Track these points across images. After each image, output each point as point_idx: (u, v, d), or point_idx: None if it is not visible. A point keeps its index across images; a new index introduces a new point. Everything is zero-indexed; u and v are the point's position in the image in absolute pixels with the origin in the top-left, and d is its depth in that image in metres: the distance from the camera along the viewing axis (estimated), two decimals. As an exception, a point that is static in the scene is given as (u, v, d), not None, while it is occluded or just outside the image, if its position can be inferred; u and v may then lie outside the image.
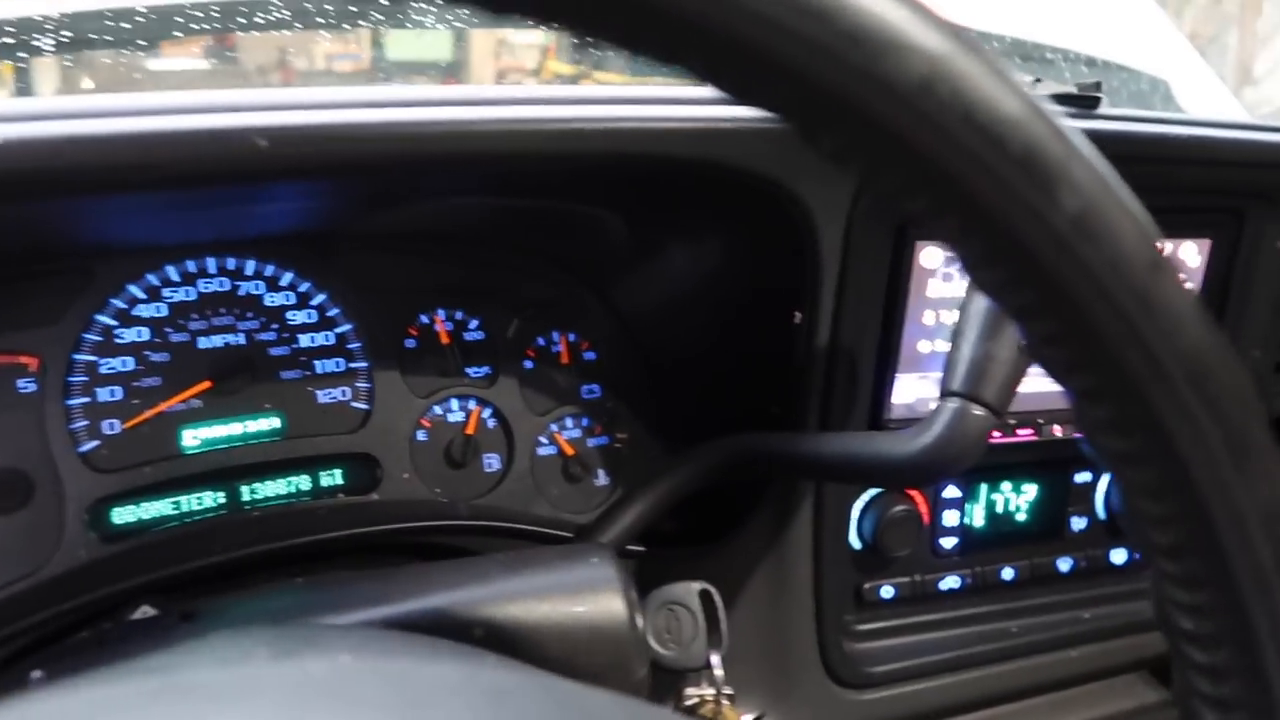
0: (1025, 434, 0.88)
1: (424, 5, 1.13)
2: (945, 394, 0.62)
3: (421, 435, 0.87)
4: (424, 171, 0.61)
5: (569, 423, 0.92)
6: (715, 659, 0.60)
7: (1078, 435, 0.38)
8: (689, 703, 0.67)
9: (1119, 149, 0.78)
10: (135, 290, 0.78)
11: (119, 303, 0.78)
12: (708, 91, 0.73)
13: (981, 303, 0.62)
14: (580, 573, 0.54)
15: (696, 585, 0.61)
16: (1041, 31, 1.60)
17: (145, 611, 0.55)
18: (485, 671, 0.30)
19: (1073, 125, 0.32)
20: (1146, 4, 1.88)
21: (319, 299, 0.84)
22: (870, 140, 0.31)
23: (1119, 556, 1.00)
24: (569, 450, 0.91)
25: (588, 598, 0.52)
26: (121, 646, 0.48)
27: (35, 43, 1.13)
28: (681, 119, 0.68)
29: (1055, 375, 0.37)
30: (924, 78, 0.29)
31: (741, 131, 0.69)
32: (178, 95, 0.59)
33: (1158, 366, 0.34)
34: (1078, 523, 0.97)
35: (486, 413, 0.89)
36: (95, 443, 0.76)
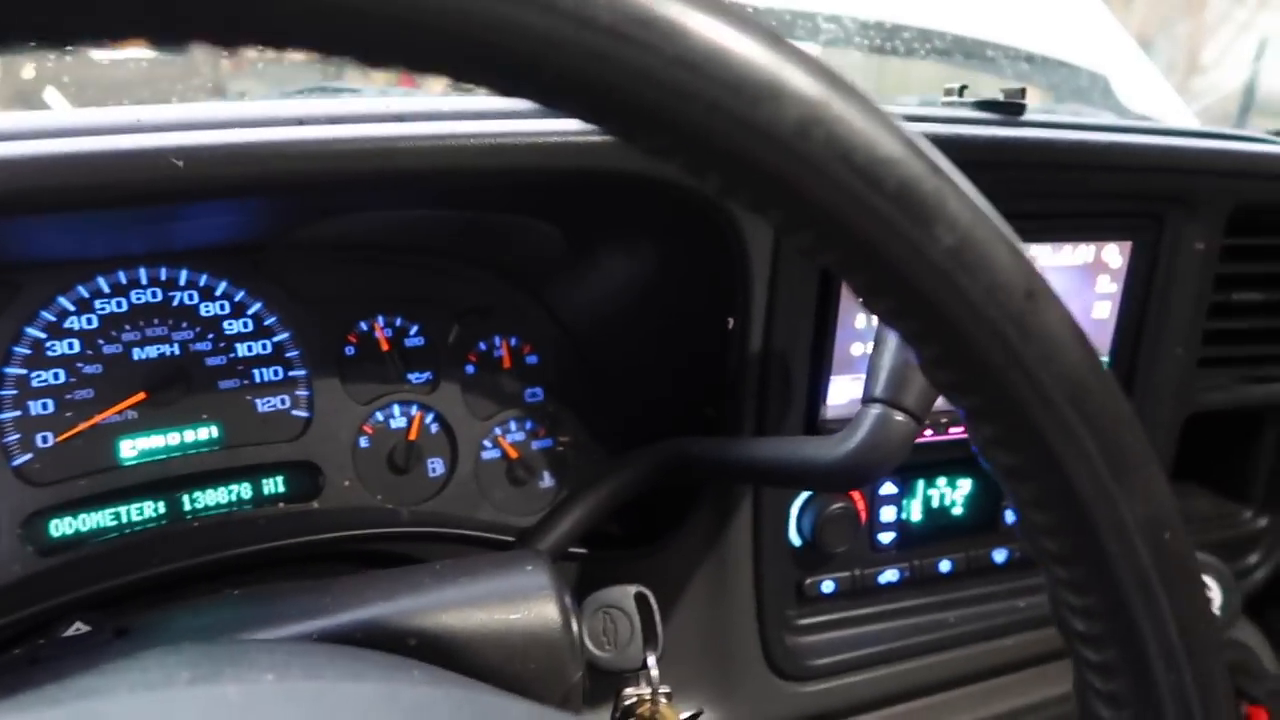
0: (957, 432, 0.90)
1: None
2: (867, 400, 0.64)
3: (364, 442, 0.87)
4: (345, 188, 0.61)
5: (513, 426, 0.93)
6: (651, 659, 0.61)
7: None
8: (627, 703, 0.68)
9: (1042, 156, 0.81)
10: (65, 302, 0.77)
11: (48, 315, 0.77)
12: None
13: (903, 310, 0.64)
14: (514, 580, 0.55)
15: (632, 589, 0.63)
16: (982, 28, 1.62)
17: (79, 628, 0.55)
18: (408, 687, 0.31)
19: (947, 162, 0.33)
20: (1092, 3, 1.90)
21: (255, 308, 0.84)
22: (753, 182, 0.32)
23: (1052, 546, 1.02)
24: (513, 453, 0.92)
25: (521, 605, 0.53)
26: (53, 665, 0.48)
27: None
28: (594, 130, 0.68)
29: (946, 395, 0.38)
30: (799, 122, 0.30)
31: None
32: (93, 113, 0.59)
33: (1038, 388, 0.36)
34: (1012, 515, 0.99)
35: (429, 418, 0.90)
36: (28, 456, 0.75)
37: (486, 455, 0.92)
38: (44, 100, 1.35)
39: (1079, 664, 0.45)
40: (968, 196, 0.34)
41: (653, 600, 0.63)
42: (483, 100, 0.73)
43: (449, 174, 0.61)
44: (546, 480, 0.94)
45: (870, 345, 0.84)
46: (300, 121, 0.58)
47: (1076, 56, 1.78)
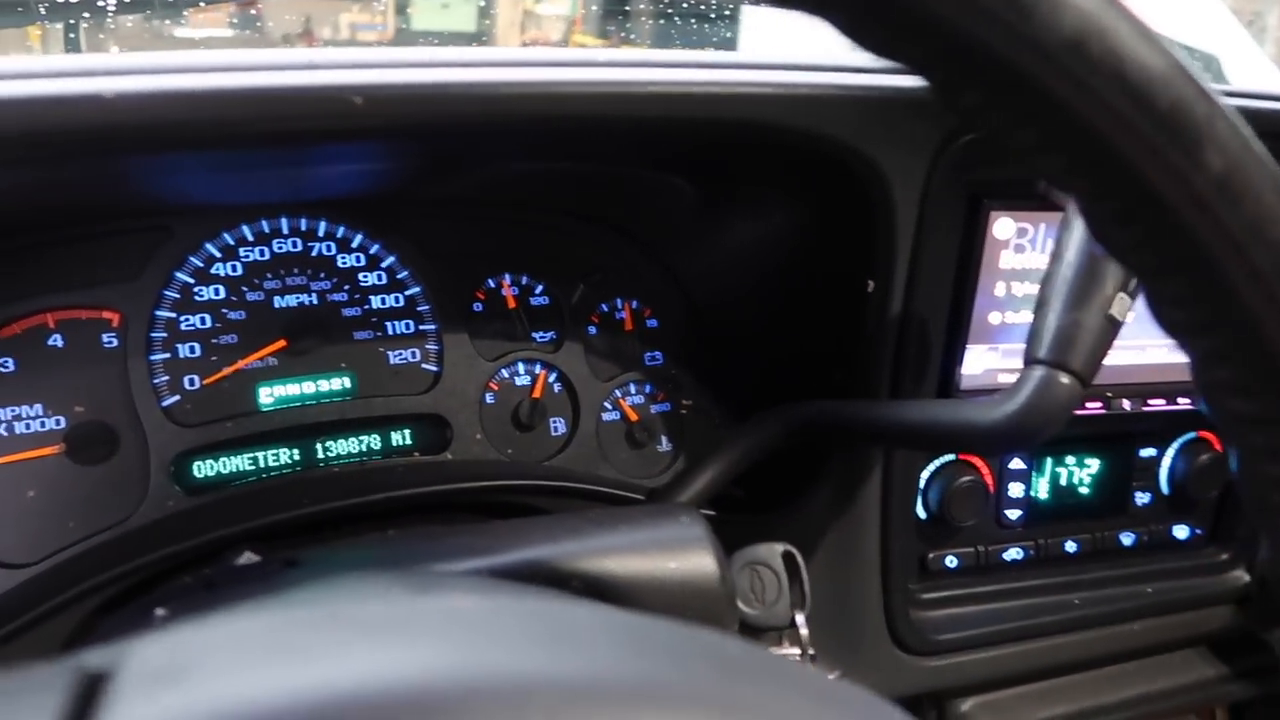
0: (1094, 407, 0.87)
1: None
2: (1030, 361, 0.62)
3: (490, 398, 0.87)
4: (511, 132, 0.61)
5: (632, 389, 0.93)
6: (800, 619, 0.61)
7: (1154, 407, 0.38)
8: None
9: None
10: (212, 249, 0.79)
11: (197, 260, 0.79)
12: (782, 58, 0.73)
13: (1067, 270, 0.62)
14: (671, 530, 0.54)
15: (780, 546, 0.62)
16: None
17: (249, 558, 0.56)
18: (620, 612, 0.30)
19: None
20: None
21: (389, 261, 0.85)
22: (1013, 97, 0.31)
23: (1182, 532, 0.99)
24: (633, 416, 0.92)
25: (679, 554, 0.53)
26: (237, 589, 0.50)
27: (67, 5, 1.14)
28: (760, 84, 0.67)
29: (1177, 336, 0.36)
30: (1076, 33, 0.29)
31: (820, 98, 0.69)
32: (268, 53, 0.60)
33: (1292, 331, 0.34)
34: (1141, 497, 0.96)
35: (552, 377, 0.90)
36: (176, 397, 0.77)
37: (607, 416, 0.92)
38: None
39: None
40: (1235, 122, 0.32)
41: (800, 559, 0.62)
42: (628, 52, 0.72)
43: (609, 120, 0.60)
44: (664, 444, 0.94)
45: (1008, 314, 0.82)
46: (467, 65, 0.58)
47: (1189, 37, 1.72)
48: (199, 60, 0.54)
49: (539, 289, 0.90)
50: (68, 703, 0.25)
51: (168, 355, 0.77)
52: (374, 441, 0.84)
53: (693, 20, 1.95)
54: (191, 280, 0.78)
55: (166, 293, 0.78)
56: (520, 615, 0.30)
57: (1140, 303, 0.47)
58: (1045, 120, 0.31)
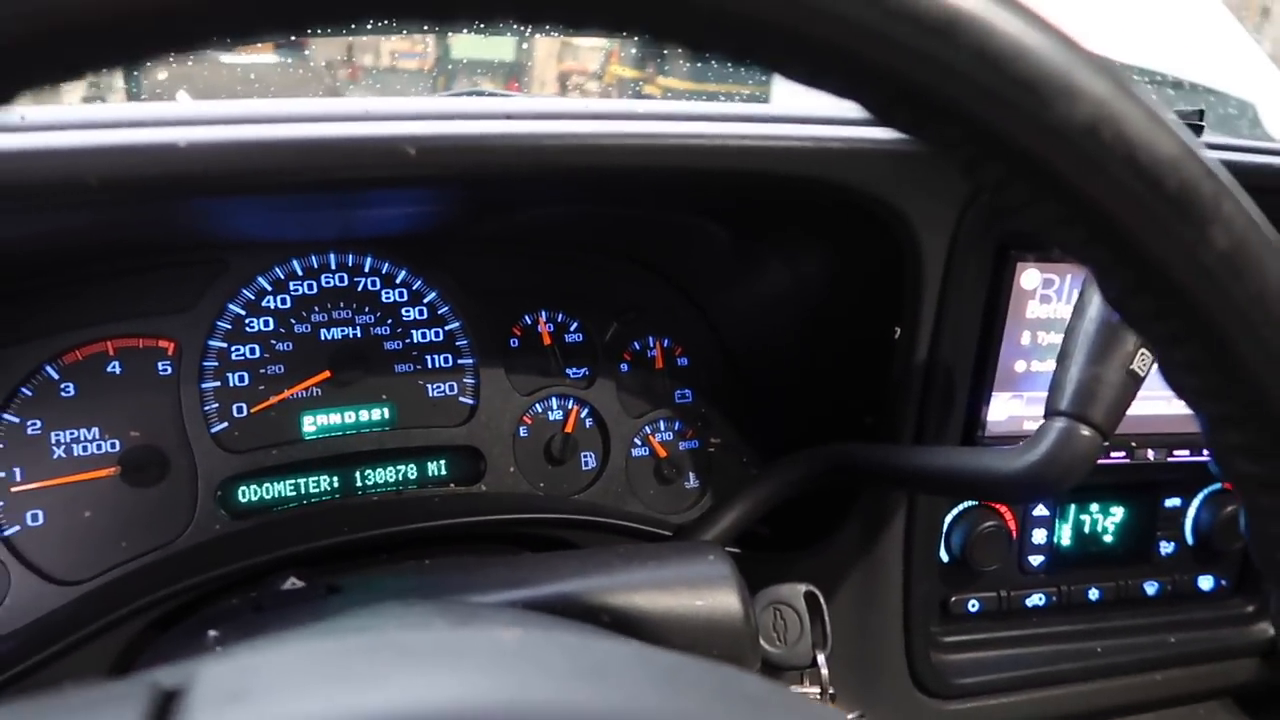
0: (1118, 456, 0.88)
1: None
2: (1052, 413, 0.63)
3: (523, 431, 0.90)
4: (554, 180, 0.64)
5: (662, 425, 0.95)
6: (821, 658, 0.62)
7: (1179, 458, 0.40)
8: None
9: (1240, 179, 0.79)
10: (264, 282, 0.83)
11: (249, 293, 0.82)
12: (815, 110, 0.75)
13: (1090, 325, 0.63)
14: (698, 568, 0.56)
15: (802, 586, 0.63)
16: (1128, 54, 1.58)
17: (293, 583, 0.58)
18: (655, 650, 0.32)
19: (1217, 163, 0.34)
20: (1229, 25, 1.85)
21: (430, 296, 0.88)
22: (1032, 175, 0.33)
23: (1206, 583, 0.99)
24: (661, 452, 0.94)
25: (706, 592, 0.54)
26: (285, 613, 0.52)
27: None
28: (793, 138, 0.70)
29: (1189, 400, 0.38)
30: (1090, 120, 0.31)
31: (852, 151, 0.71)
32: (325, 103, 0.63)
33: (1298, 397, 0.35)
34: (1166, 547, 0.97)
35: (584, 412, 0.92)
36: (225, 424, 0.81)
37: (636, 452, 0.94)
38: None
39: None
40: (1240, 201, 0.34)
41: (822, 600, 0.64)
42: (668, 104, 0.75)
43: (649, 171, 0.63)
44: (692, 481, 0.96)
45: (1033, 363, 0.83)
46: (512, 116, 0.61)
47: (1222, 83, 1.73)
48: (261, 110, 0.58)
49: (573, 326, 0.93)
50: (145, 717, 0.28)
51: (218, 384, 0.81)
52: (410, 471, 0.87)
53: (726, 58, 1.98)
54: (243, 312, 0.82)
55: (219, 323, 0.81)
56: (562, 649, 0.32)
57: (1161, 358, 0.49)
58: (1062, 197, 0.33)
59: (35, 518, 0.75)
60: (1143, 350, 0.61)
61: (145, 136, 0.51)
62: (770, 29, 0.29)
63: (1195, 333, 0.35)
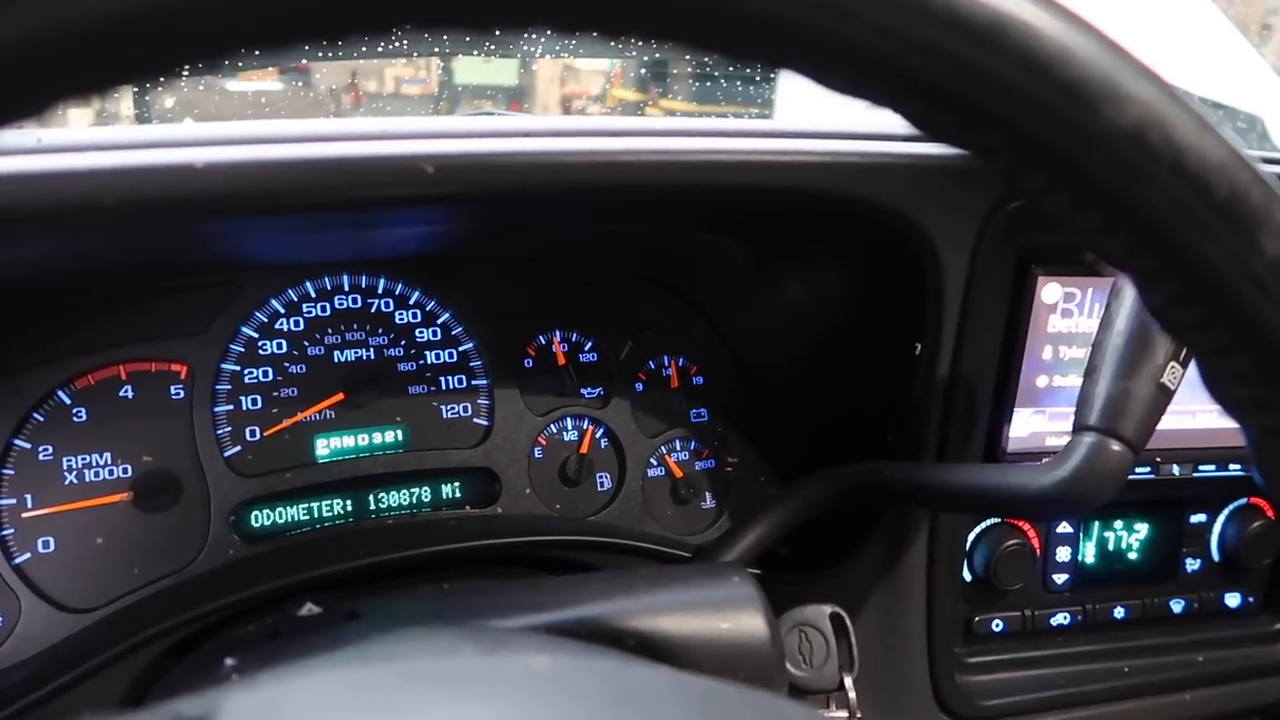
0: (1142, 472, 0.87)
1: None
2: (1081, 428, 0.62)
3: (538, 452, 0.89)
4: (572, 200, 0.63)
5: (678, 445, 0.94)
6: (848, 681, 0.61)
7: (1204, 473, 0.38)
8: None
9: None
10: (277, 304, 0.82)
11: (262, 315, 0.82)
12: (832, 126, 0.74)
13: (1118, 338, 0.62)
14: (724, 590, 0.55)
15: (827, 608, 0.62)
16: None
17: (310, 609, 0.57)
18: (689, 676, 0.31)
19: (1263, 166, 0.33)
20: (1234, 39, 1.85)
21: (444, 317, 0.88)
22: (1075, 184, 0.32)
23: (1233, 600, 0.98)
24: (678, 472, 0.93)
25: (732, 615, 0.53)
26: (304, 640, 0.51)
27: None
28: (812, 153, 0.69)
29: (1236, 413, 0.37)
30: (1137, 126, 0.30)
31: (871, 165, 0.71)
32: (342, 123, 0.63)
33: (1350, 409, 0.34)
34: (1192, 564, 0.95)
35: (599, 433, 0.91)
36: (238, 448, 0.80)
37: (652, 472, 0.93)
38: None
39: None
40: (1291, 207, 0.33)
41: (848, 621, 0.62)
42: (684, 122, 0.75)
43: (669, 187, 0.63)
44: (708, 501, 0.95)
45: (1055, 378, 0.82)
46: (529, 134, 0.60)
47: (1230, 97, 1.73)
48: (277, 130, 0.57)
49: (588, 345, 0.92)
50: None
51: (231, 407, 0.80)
52: (424, 494, 0.86)
53: (728, 79, 1.98)
54: (256, 335, 0.81)
55: (232, 346, 0.80)
56: (594, 676, 0.31)
57: (1191, 370, 0.48)
58: (1106, 204, 0.32)
59: (47, 545, 0.74)
60: (1173, 363, 0.60)
61: (162, 157, 0.50)
62: (814, 38, 0.28)
63: (1244, 343, 0.34)
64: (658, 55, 1.75)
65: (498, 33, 0.25)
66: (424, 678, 0.30)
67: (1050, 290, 0.81)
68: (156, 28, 0.20)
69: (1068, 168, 0.31)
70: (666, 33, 0.26)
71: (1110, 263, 0.35)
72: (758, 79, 1.84)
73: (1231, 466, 0.89)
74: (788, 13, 0.27)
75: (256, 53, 0.23)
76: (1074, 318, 0.82)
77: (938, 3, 0.28)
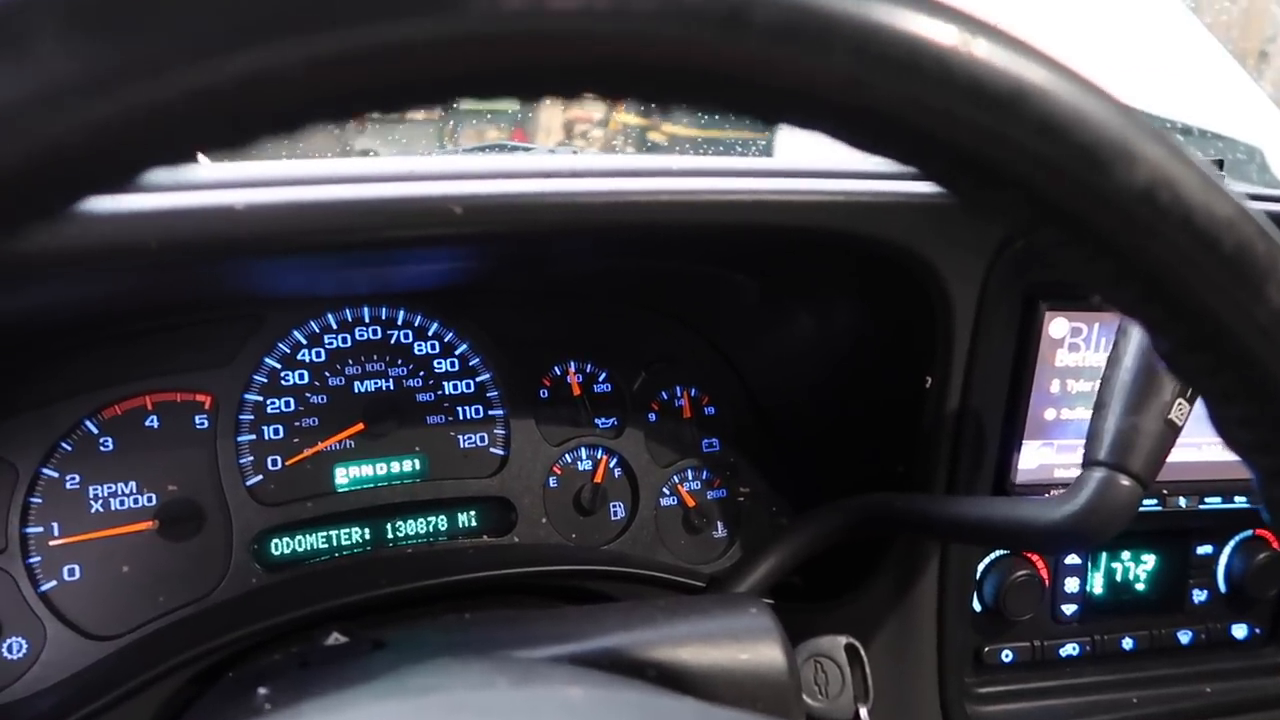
0: (1149, 504, 0.88)
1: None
2: (1090, 463, 0.63)
3: (553, 482, 0.90)
4: (592, 237, 0.65)
5: (690, 475, 0.95)
6: (864, 712, 0.62)
7: (1210, 505, 0.40)
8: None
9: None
10: (299, 336, 0.84)
11: (284, 347, 0.83)
12: (843, 164, 0.76)
13: (1126, 375, 0.64)
14: (741, 621, 0.56)
15: (842, 639, 0.63)
16: (1136, 100, 1.60)
17: (337, 638, 0.58)
18: (716, 709, 0.33)
19: (1268, 221, 0.35)
20: (1231, 69, 1.87)
21: (461, 349, 0.89)
22: (1088, 240, 0.34)
23: (1240, 631, 0.98)
24: (690, 501, 0.94)
25: (750, 646, 0.54)
26: (334, 669, 0.52)
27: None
28: (824, 192, 0.71)
29: (1243, 454, 0.39)
30: (1148, 185, 0.32)
31: (882, 205, 0.72)
32: (369, 162, 0.65)
33: (1353, 453, 0.36)
34: (1199, 595, 0.96)
35: (613, 462, 0.93)
36: (260, 477, 0.81)
37: (665, 502, 0.94)
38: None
39: None
40: (1295, 260, 0.34)
41: (863, 652, 0.63)
42: (697, 160, 0.77)
43: (684, 227, 0.64)
44: (720, 530, 0.96)
45: (1064, 411, 0.84)
46: (552, 174, 0.62)
47: (1229, 128, 1.75)
48: (311, 171, 0.59)
49: (602, 376, 0.94)
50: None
51: (254, 437, 0.81)
52: (441, 523, 0.87)
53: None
54: (279, 365, 0.83)
55: (255, 377, 0.82)
56: (628, 707, 0.32)
57: (1199, 405, 0.49)
58: (1118, 257, 0.34)
59: (72, 572, 0.75)
60: (1180, 400, 0.62)
61: (203, 200, 0.52)
62: (839, 104, 0.30)
63: (1249, 389, 0.35)
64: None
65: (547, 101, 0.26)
66: (466, 711, 0.31)
67: (1058, 325, 0.82)
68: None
69: (1081, 225, 0.33)
70: (701, 99, 0.28)
71: (1120, 311, 0.36)
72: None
73: (1237, 499, 0.90)
74: (808, 85, 0.29)
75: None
76: (1081, 352, 0.84)
77: (960, 73, 0.29)
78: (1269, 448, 0.37)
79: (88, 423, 0.76)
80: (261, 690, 0.47)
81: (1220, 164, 0.89)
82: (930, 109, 0.29)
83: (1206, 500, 0.89)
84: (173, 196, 0.52)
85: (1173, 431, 0.62)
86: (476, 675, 0.38)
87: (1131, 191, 0.32)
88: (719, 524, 0.96)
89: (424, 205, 0.57)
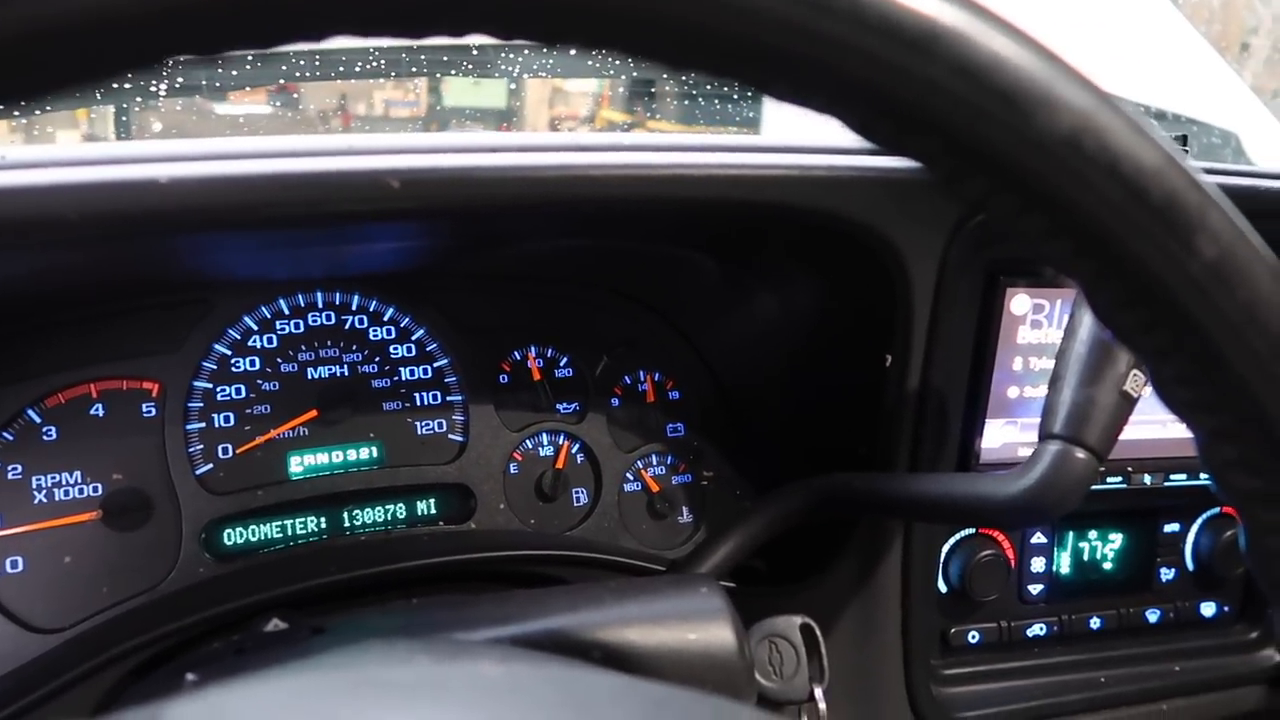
0: (1114, 482, 0.87)
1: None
2: (1046, 436, 0.62)
3: (514, 468, 0.89)
4: (540, 213, 0.64)
5: (654, 460, 0.94)
6: (819, 692, 0.61)
7: (1176, 482, 0.39)
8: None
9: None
10: (250, 321, 0.82)
11: (235, 333, 0.82)
12: (802, 140, 0.75)
13: (1081, 347, 0.63)
14: (691, 601, 0.55)
15: (797, 619, 0.62)
16: (1112, 86, 1.60)
17: (277, 625, 0.57)
18: (642, 682, 0.31)
19: (1202, 173, 0.34)
20: (1210, 58, 1.88)
21: (418, 334, 0.88)
22: (1015, 190, 0.32)
23: (1209, 610, 0.98)
24: (654, 487, 0.93)
25: (699, 626, 0.53)
26: (266, 654, 0.51)
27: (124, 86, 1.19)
28: (780, 167, 0.70)
29: (1183, 415, 0.38)
30: (1072, 132, 0.31)
31: (838, 179, 0.71)
32: (308, 139, 0.63)
33: (1292, 409, 0.35)
34: (1166, 574, 0.96)
35: (575, 448, 0.92)
36: (210, 466, 0.79)
37: (629, 487, 0.93)
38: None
39: None
40: (1227, 211, 0.34)
41: (818, 632, 0.62)
42: (651, 136, 0.75)
43: (635, 201, 0.63)
44: (685, 515, 0.95)
45: (1026, 389, 0.83)
46: (497, 149, 0.61)
47: (1205, 114, 1.75)
48: (243, 146, 0.58)
49: (563, 361, 0.92)
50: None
51: (203, 425, 0.80)
52: (399, 510, 0.86)
53: (716, 100, 2.00)
54: (229, 352, 0.81)
55: (205, 364, 0.80)
56: (545, 683, 0.31)
57: (1154, 379, 0.48)
58: (1047, 209, 0.33)
59: (15, 564, 0.73)
60: (1135, 371, 0.61)
61: (126, 173, 0.50)
62: (751, 47, 0.29)
63: (1185, 345, 0.34)
64: (646, 77, 1.76)
65: (434, 39, 0.25)
66: (371, 686, 0.30)
67: (1019, 302, 0.82)
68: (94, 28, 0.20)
69: (1006, 174, 0.32)
70: (601, 40, 0.27)
71: (1055, 268, 0.35)
72: (744, 100, 1.86)
73: (1203, 476, 0.89)
74: (726, 25, 0.28)
75: (186, 56, 0.23)
76: (1043, 329, 0.83)
77: (872, 10, 0.28)
78: (1208, 407, 0.36)
79: (30, 411, 0.75)
80: (190, 676, 0.46)
81: (1184, 140, 0.88)
82: (841, 46, 0.28)
83: (1172, 478, 0.89)
84: (98, 170, 0.50)
85: (1128, 403, 0.61)
86: (399, 654, 0.36)
87: (1054, 137, 0.31)
88: (684, 509, 0.95)
89: (359, 179, 0.55)
